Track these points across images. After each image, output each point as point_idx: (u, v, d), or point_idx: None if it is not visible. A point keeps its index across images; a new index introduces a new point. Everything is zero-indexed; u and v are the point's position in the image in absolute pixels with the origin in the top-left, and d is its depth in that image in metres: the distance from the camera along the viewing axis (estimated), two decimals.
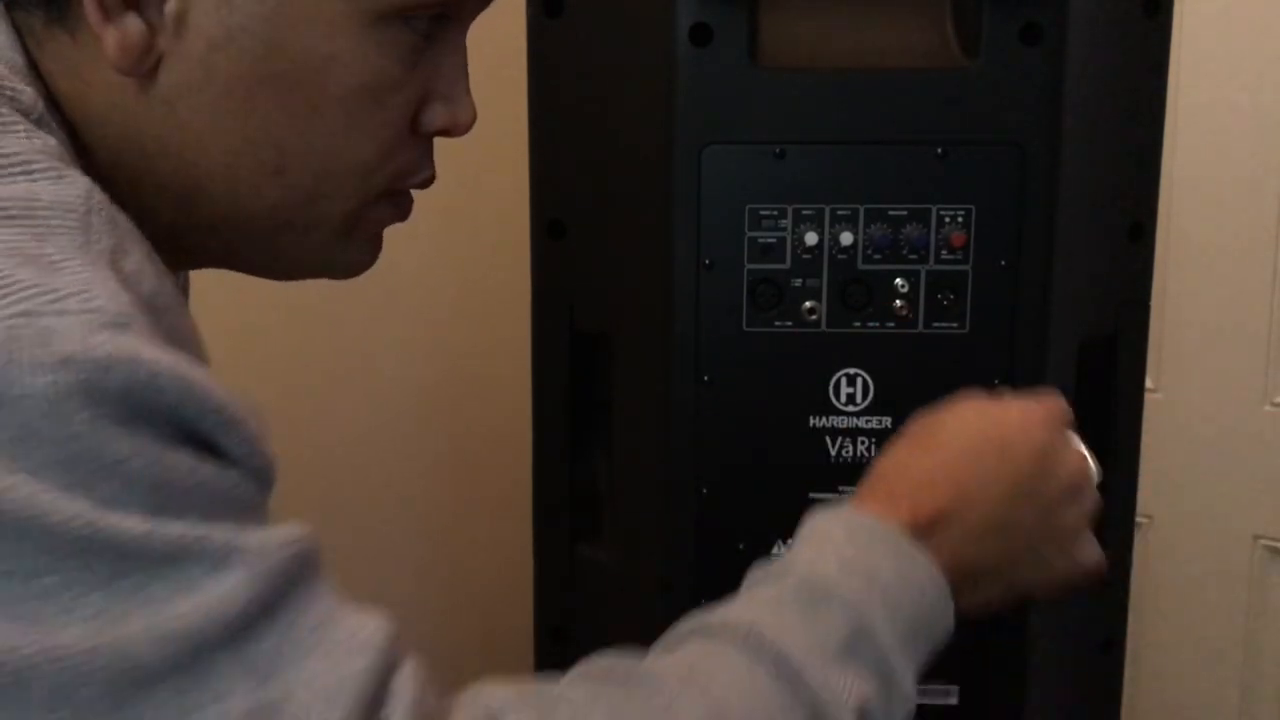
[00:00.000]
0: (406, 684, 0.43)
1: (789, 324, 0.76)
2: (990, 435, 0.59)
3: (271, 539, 0.41)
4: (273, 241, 0.54)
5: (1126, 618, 0.85)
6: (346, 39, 0.50)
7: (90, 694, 0.36)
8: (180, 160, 0.50)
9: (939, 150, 0.75)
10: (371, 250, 0.59)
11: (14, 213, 0.41)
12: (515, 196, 0.87)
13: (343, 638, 0.42)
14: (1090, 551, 0.61)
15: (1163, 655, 1.61)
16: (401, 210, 0.59)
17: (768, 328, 0.77)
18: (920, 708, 0.80)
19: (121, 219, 0.44)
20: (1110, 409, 0.82)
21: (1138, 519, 0.88)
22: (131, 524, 0.37)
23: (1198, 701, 1.59)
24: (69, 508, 0.37)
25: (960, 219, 0.75)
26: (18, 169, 0.42)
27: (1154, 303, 0.81)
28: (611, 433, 0.84)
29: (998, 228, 0.75)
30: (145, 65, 0.49)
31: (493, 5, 0.57)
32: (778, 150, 0.75)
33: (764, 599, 0.54)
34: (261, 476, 0.42)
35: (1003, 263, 0.76)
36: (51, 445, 0.37)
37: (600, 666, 0.51)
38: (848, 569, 0.54)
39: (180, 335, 0.43)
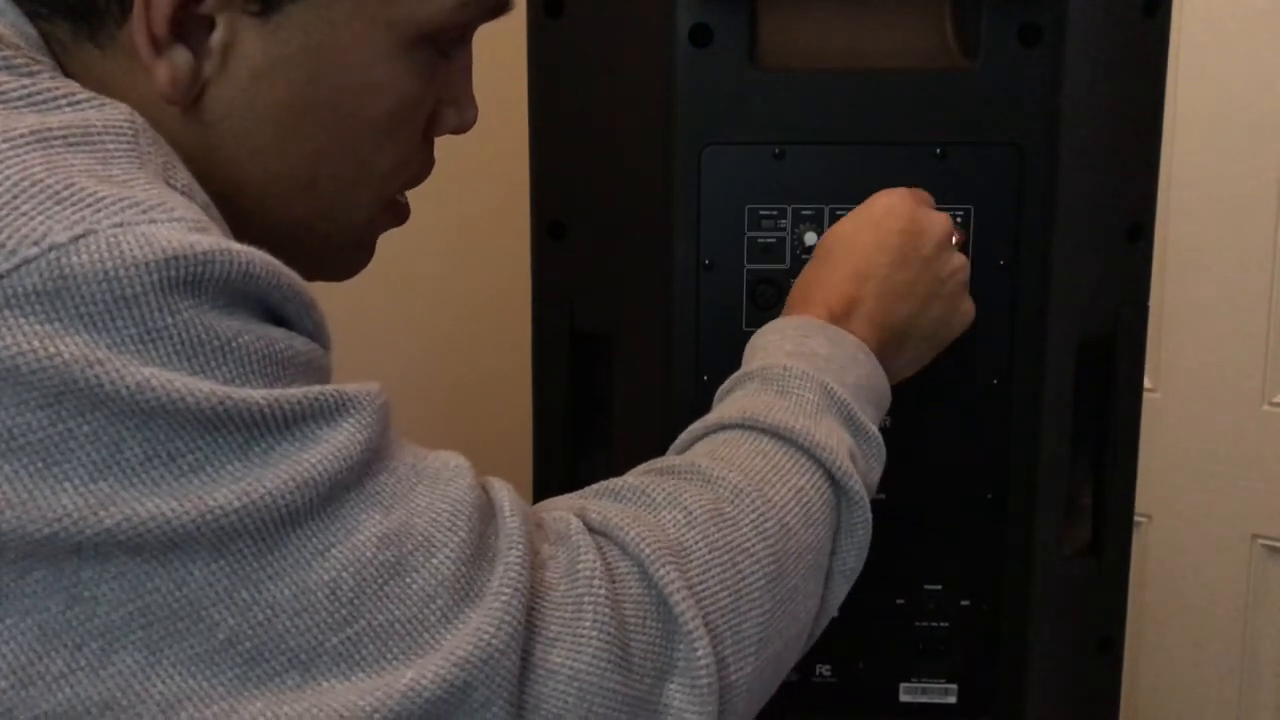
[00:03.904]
0: (503, 493, 0.49)
1: None
2: (865, 224, 0.69)
3: (365, 391, 0.45)
4: (289, 248, 0.55)
5: (1125, 617, 0.85)
6: (383, 67, 0.52)
7: (244, 545, 0.41)
8: (211, 173, 0.50)
9: (938, 150, 0.75)
10: (369, 254, 0.62)
11: (74, 139, 0.42)
12: (515, 196, 0.87)
13: (437, 467, 0.47)
14: (967, 304, 0.72)
15: (1161, 655, 1.61)
16: (400, 217, 0.61)
17: None
18: (920, 707, 0.81)
19: (160, 139, 0.46)
20: (1109, 409, 0.82)
21: (1136, 519, 0.88)
22: (255, 396, 0.41)
23: (1196, 701, 1.60)
24: (200, 390, 0.40)
25: (959, 219, 0.75)
26: (62, 99, 0.44)
27: (1153, 303, 0.81)
28: (611, 433, 0.84)
29: (996, 228, 0.75)
30: (191, 94, 0.50)
31: None
32: (777, 151, 0.75)
33: (740, 398, 0.62)
34: (327, 347, 0.47)
35: (1001, 263, 0.76)
36: (173, 337, 0.40)
37: (637, 469, 0.59)
38: (793, 357, 0.63)
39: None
